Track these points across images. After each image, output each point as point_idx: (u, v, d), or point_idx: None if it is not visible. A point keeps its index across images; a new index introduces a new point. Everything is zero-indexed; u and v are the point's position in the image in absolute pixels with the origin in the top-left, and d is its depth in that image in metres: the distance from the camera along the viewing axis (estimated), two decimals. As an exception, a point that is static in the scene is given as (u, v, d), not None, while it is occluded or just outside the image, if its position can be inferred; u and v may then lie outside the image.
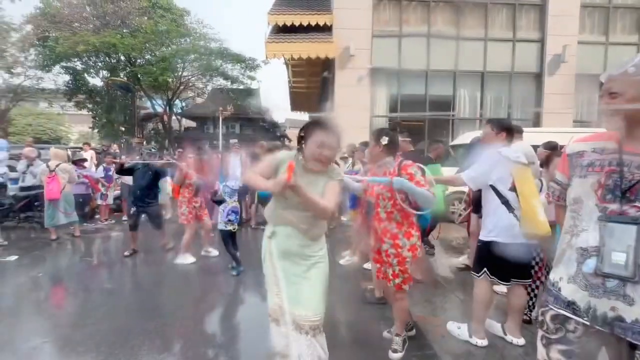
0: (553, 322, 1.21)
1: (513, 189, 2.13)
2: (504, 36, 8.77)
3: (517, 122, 8.32)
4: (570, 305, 1.16)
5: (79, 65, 19.28)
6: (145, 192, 4.43)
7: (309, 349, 1.59)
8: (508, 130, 2.39)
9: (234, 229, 3.79)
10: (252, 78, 22.01)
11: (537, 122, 8.69)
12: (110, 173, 7.34)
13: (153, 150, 4.70)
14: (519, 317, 2.40)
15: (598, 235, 1.11)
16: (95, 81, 20.56)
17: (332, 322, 2.49)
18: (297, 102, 16.45)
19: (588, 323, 1.12)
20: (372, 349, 2.36)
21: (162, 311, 2.96)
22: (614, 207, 1.09)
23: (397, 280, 2.14)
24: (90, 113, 21.12)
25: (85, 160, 6.97)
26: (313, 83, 13.18)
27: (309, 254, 1.66)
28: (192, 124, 28.91)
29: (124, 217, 7.14)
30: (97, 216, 7.18)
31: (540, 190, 2.39)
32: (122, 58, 19.75)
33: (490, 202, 2.30)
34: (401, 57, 8.68)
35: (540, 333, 1.28)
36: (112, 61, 19.61)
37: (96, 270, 4.30)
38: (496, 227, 2.25)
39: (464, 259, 4.09)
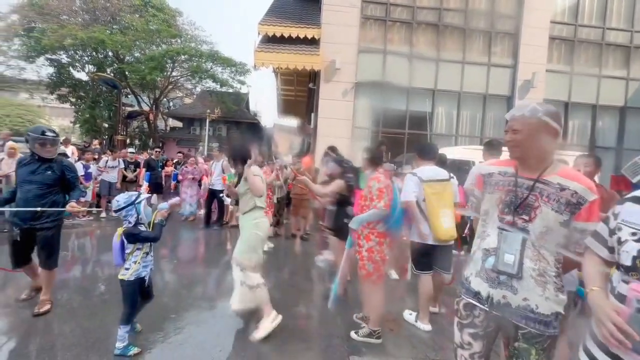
0: (465, 310, 1.49)
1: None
2: (480, 60, 9.39)
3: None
4: (476, 295, 1.44)
5: (64, 59, 18.91)
6: (38, 204, 2.73)
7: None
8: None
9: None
10: (242, 82, 22.14)
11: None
12: (90, 170, 7.35)
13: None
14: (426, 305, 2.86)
15: (497, 240, 1.41)
16: (81, 75, 20.20)
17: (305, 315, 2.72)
18: (286, 109, 16.73)
19: (487, 309, 1.41)
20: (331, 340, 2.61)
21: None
22: (508, 218, 1.39)
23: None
24: (73, 107, 20.69)
25: (66, 156, 6.95)
26: (301, 92, 13.51)
27: None
28: (179, 124, 28.61)
29: (102, 214, 7.18)
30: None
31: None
32: (110, 54, 19.55)
33: (419, 213, 2.80)
34: (385, 74, 9.13)
35: (456, 319, 1.56)
36: (100, 56, 19.35)
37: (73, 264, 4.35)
38: (428, 231, 2.73)
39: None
